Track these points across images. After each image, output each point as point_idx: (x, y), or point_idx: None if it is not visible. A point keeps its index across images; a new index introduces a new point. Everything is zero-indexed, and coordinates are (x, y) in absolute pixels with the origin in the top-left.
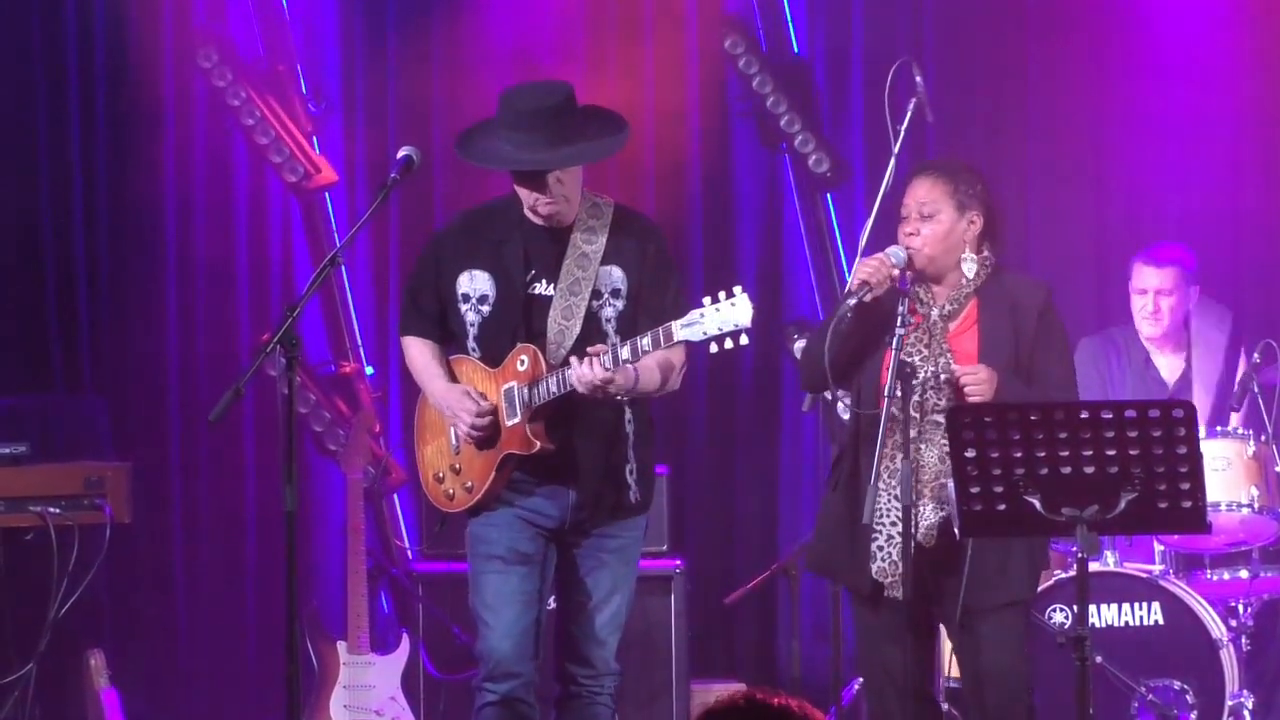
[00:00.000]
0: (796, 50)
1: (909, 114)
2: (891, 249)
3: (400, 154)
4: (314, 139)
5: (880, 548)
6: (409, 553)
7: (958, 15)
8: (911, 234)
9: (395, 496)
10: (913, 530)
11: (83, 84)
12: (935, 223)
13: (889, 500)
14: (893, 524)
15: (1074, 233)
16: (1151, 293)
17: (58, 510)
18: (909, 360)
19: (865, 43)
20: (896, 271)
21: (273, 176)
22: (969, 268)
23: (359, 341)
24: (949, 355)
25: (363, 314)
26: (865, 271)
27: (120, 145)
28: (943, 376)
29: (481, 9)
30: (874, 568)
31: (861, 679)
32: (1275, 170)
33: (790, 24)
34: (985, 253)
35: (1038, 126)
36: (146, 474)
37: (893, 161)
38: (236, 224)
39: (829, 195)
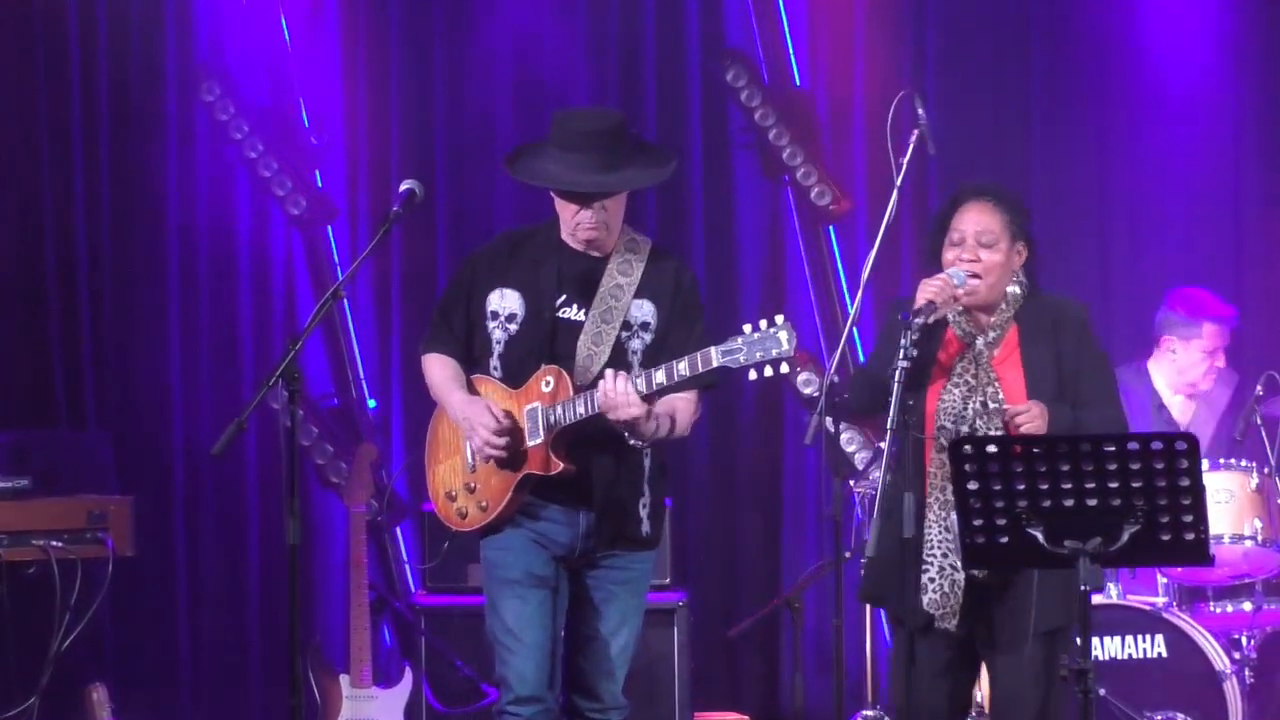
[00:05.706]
0: (799, 82)
1: (911, 146)
2: (952, 270)
3: (403, 187)
4: (316, 172)
5: (932, 579)
6: (412, 586)
7: (960, 48)
8: (972, 261)
9: (398, 529)
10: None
11: (86, 118)
12: (995, 252)
13: (940, 532)
14: (944, 555)
15: (1077, 267)
16: (1220, 349)
17: (60, 544)
18: (950, 396)
19: (867, 75)
20: (960, 292)
21: (276, 210)
22: (1013, 293)
23: (361, 374)
24: (996, 384)
25: (365, 347)
26: (930, 291)
27: (124, 179)
28: (991, 405)
29: (484, 42)
30: (925, 599)
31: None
32: (1276, 202)
33: (792, 56)
34: (1022, 277)
35: (1040, 159)
36: (149, 508)
37: (895, 194)
38: (239, 258)
39: (831, 227)
